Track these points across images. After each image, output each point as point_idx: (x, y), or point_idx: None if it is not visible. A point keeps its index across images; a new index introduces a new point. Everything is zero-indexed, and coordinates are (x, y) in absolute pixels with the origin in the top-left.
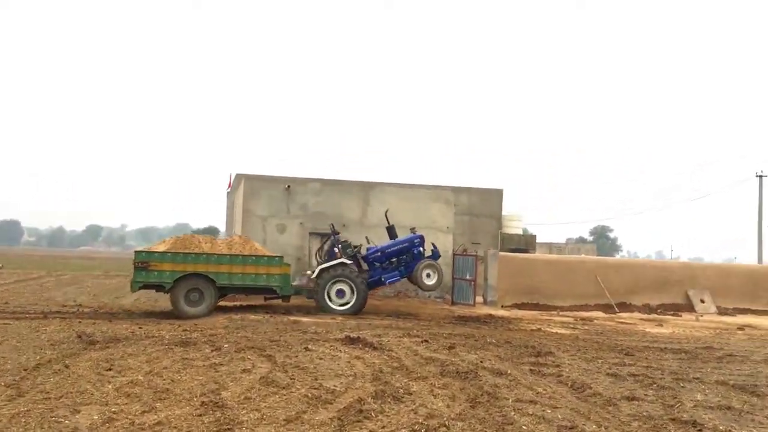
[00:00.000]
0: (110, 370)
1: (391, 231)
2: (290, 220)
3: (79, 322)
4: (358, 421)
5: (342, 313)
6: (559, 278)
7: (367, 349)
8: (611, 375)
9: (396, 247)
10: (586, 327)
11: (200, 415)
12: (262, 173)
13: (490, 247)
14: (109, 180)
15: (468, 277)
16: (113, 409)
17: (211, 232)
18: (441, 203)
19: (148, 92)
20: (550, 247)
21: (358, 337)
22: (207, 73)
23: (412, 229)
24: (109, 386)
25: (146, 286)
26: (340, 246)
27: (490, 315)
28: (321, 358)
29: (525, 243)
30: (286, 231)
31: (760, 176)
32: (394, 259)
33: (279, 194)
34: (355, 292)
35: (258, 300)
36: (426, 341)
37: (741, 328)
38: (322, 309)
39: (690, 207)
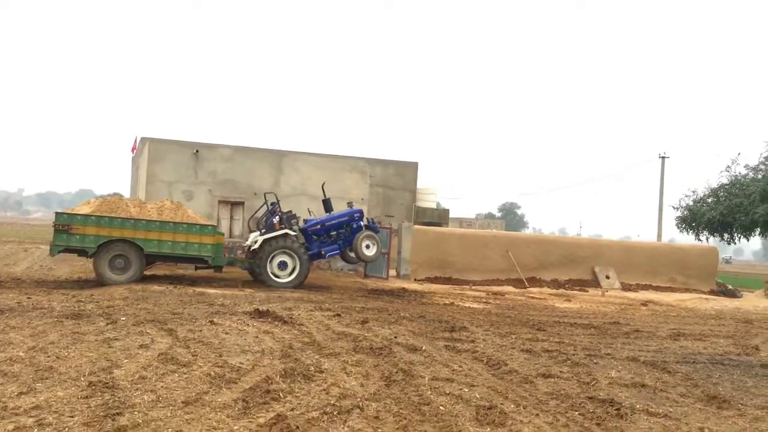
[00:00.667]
0: None
1: (327, 204)
2: (198, 187)
3: None
4: (265, 403)
5: (285, 287)
6: (471, 252)
7: (276, 323)
8: (526, 351)
9: (336, 221)
10: (498, 301)
11: (86, 397)
12: (168, 137)
13: (405, 219)
14: (4, 140)
15: (382, 250)
16: None
17: None
18: (356, 174)
19: (47, 47)
20: (461, 222)
21: (268, 311)
22: (113, 27)
23: (349, 204)
24: None
25: (67, 250)
26: (285, 216)
27: (404, 289)
28: (227, 333)
29: (438, 217)
30: (193, 198)
31: (663, 157)
32: (333, 233)
33: (186, 159)
34: (299, 265)
35: (184, 268)
36: (338, 315)
37: (644, 303)
38: (264, 282)
39: (594, 187)
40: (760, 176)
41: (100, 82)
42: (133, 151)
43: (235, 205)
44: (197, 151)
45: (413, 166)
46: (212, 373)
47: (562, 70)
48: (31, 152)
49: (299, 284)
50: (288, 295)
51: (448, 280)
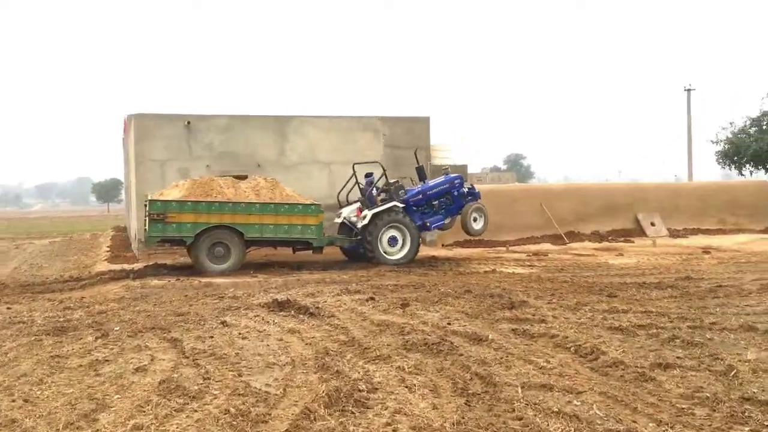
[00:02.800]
0: None
1: (420, 172)
2: (194, 162)
3: None
4: None
5: (397, 263)
6: (501, 210)
7: (301, 316)
8: (614, 329)
9: (437, 189)
10: (543, 263)
11: None
12: (157, 112)
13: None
14: (2, 136)
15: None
16: None
17: (114, 185)
18: (369, 133)
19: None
20: (470, 177)
21: (288, 300)
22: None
23: (445, 170)
24: None
25: (164, 241)
26: (393, 187)
27: (433, 257)
28: (244, 338)
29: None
30: (190, 175)
31: (689, 90)
32: (435, 202)
33: (178, 133)
34: (410, 240)
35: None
36: (372, 299)
37: (706, 251)
38: (377, 260)
39: (610, 130)
40: None
41: (89, 66)
42: (124, 132)
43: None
44: (188, 122)
45: (424, 122)
46: (232, 408)
47: (570, 11)
48: (27, 144)
49: (410, 260)
50: (307, 277)
51: (478, 243)
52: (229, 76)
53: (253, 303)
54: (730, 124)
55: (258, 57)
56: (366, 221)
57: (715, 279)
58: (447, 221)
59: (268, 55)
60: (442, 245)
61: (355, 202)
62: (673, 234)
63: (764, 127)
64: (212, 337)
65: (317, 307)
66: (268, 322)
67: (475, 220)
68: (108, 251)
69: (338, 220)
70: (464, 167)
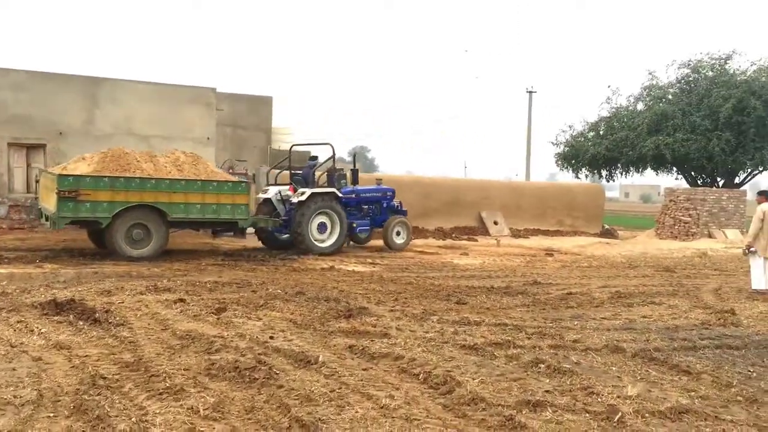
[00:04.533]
0: None
1: (355, 174)
2: None
3: None
4: None
5: (322, 253)
6: None
7: (81, 324)
8: (468, 348)
9: (370, 194)
10: (386, 261)
11: None
12: None
13: (261, 164)
14: None
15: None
16: None
17: None
18: (199, 106)
19: None
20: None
21: (72, 300)
22: None
23: (378, 180)
24: None
25: (74, 222)
26: (336, 175)
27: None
28: None
29: (297, 159)
30: None
31: (530, 92)
32: (365, 207)
33: None
34: (338, 229)
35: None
36: (182, 300)
37: (549, 253)
38: (304, 246)
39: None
40: (641, 106)
41: None
42: None
43: (32, 148)
44: None
45: (266, 102)
46: None
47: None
48: None
49: (336, 250)
50: (110, 270)
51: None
52: (32, 26)
53: (25, 302)
54: (570, 127)
55: (69, 7)
56: (304, 198)
57: (563, 285)
58: (367, 231)
59: (83, 5)
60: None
61: (284, 184)
62: (515, 234)
63: (601, 132)
64: None
65: (107, 311)
66: (32, 331)
67: (398, 233)
68: None
69: (263, 196)
70: (307, 154)
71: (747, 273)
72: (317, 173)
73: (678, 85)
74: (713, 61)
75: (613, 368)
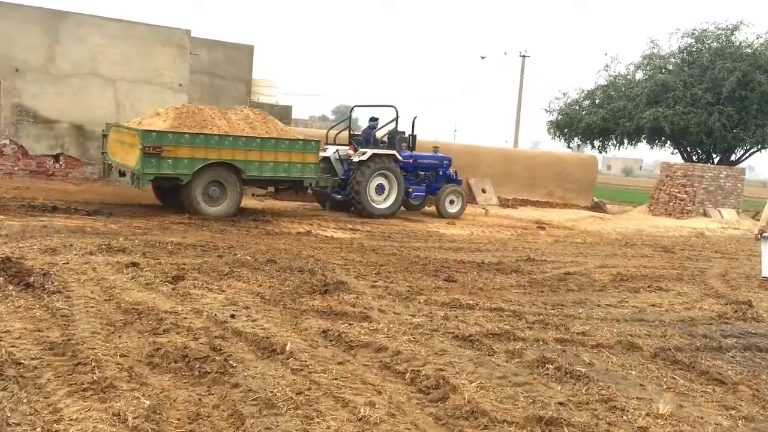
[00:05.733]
0: None
1: (413, 140)
2: None
3: None
4: None
5: (381, 213)
6: None
7: (11, 289)
8: (462, 340)
9: (427, 161)
10: (367, 227)
11: None
12: None
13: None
14: None
15: None
16: None
17: None
18: (171, 49)
19: None
20: (296, 123)
21: (8, 259)
22: None
23: (435, 148)
24: None
25: (157, 179)
26: (399, 137)
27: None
28: None
29: (279, 115)
30: None
31: (523, 56)
32: (421, 173)
33: None
34: (396, 191)
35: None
36: (135, 264)
37: (541, 226)
38: (362, 207)
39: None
40: (641, 76)
41: None
42: None
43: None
44: None
45: (247, 50)
46: None
47: None
48: None
49: (393, 213)
50: (60, 224)
51: (297, 196)
52: None
53: None
54: (564, 94)
55: None
56: (365, 158)
57: (558, 262)
58: (423, 197)
59: None
60: (254, 195)
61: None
62: (504, 203)
63: (597, 101)
64: None
65: (45, 274)
66: None
67: (451, 202)
68: None
69: (322, 154)
70: (289, 108)
71: (750, 257)
72: (378, 135)
73: (680, 55)
74: (719, 32)
75: (633, 372)
